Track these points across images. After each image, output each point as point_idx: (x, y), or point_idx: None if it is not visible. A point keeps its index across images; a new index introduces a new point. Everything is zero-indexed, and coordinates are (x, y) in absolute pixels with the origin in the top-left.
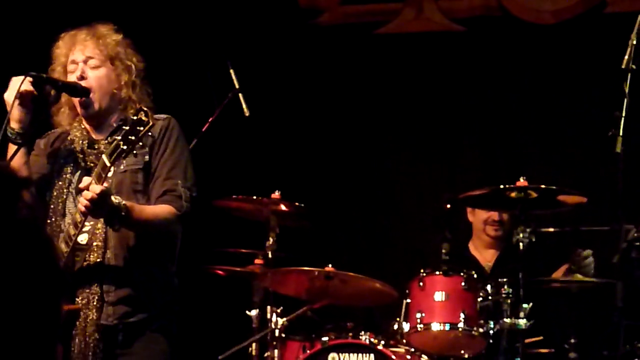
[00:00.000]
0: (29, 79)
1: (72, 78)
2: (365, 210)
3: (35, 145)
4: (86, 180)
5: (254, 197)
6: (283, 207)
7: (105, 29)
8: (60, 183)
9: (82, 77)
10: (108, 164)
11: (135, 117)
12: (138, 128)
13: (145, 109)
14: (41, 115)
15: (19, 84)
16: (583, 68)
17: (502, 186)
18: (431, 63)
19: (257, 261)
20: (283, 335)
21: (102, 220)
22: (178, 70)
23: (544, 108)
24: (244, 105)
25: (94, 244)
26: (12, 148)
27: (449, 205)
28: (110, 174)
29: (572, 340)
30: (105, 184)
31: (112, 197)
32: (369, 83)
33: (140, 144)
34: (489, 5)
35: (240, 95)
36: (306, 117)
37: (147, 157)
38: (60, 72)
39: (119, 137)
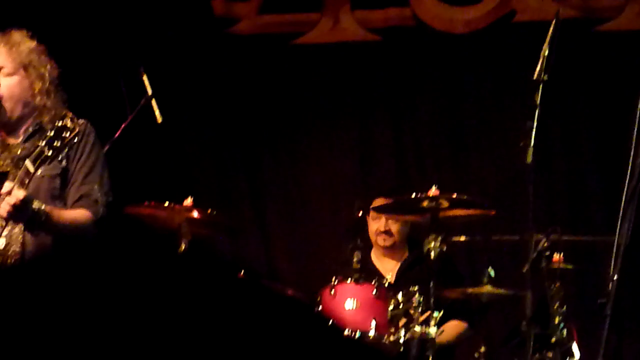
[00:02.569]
0: None
1: None
2: (279, 219)
3: None
4: (8, 185)
5: (166, 204)
6: (195, 214)
7: (19, 36)
8: None
9: None
10: (32, 170)
11: (60, 123)
12: (63, 134)
13: (70, 114)
14: None
15: None
16: (495, 77)
17: (413, 195)
18: (347, 73)
19: None
20: None
21: (19, 225)
22: (91, 76)
23: (457, 117)
24: (156, 112)
25: (12, 249)
26: None
27: (360, 213)
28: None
29: (482, 350)
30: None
31: (34, 202)
32: (285, 92)
33: (66, 150)
34: (404, 15)
35: (153, 101)
36: (220, 124)
37: (64, 163)
38: None
39: (43, 143)
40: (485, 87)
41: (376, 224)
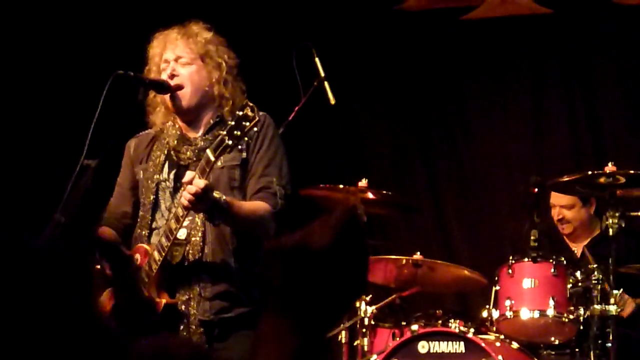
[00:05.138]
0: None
1: (163, 76)
2: (454, 197)
3: (126, 146)
4: (189, 174)
5: (341, 186)
6: (370, 195)
7: (196, 28)
8: (150, 181)
9: (172, 75)
10: (213, 159)
11: (241, 113)
12: (244, 123)
13: (251, 104)
14: (131, 113)
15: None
16: None
17: (590, 172)
18: (518, 47)
19: None
20: (372, 323)
21: (200, 215)
22: (264, 59)
23: (635, 89)
24: (329, 94)
25: (193, 239)
26: None
27: (536, 190)
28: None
29: None
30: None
31: (214, 192)
32: (456, 68)
33: (246, 139)
34: None
35: (325, 83)
36: (392, 104)
37: (244, 154)
38: (155, 71)
39: (224, 132)
40: None
41: (553, 211)
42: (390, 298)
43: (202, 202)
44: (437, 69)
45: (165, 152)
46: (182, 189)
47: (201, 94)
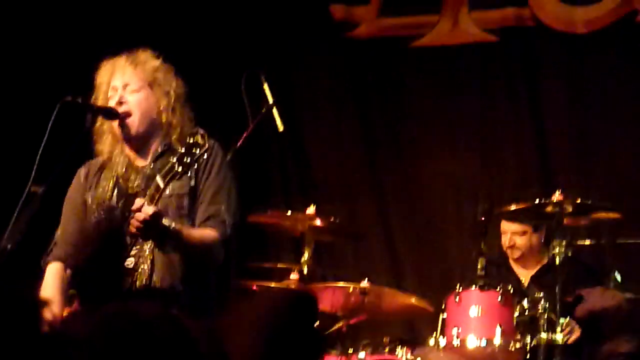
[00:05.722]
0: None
1: (111, 103)
2: (402, 224)
3: (76, 175)
4: (139, 201)
5: (289, 213)
6: (318, 222)
7: (144, 55)
8: (99, 209)
9: (120, 102)
10: (162, 185)
11: (191, 140)
12: (194, 150)
13: (202, 131)
14: (79, 140)
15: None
16: (618, 78)
17: (537, 201)
18: (466, 74)
19: (292, 276)
20: (320, 349)
21: (148, 243)
22: (212, 86)
23: (578, 118)
24: (278, 120)
25: (141, 267)
26: None
27: (484, 218)
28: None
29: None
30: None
31: (164, 219)
32: (404, 94)
33: (195, 167)
34: (522, 16)
35: (274, 109)
36: (341, 130)
37: (192, 182)
38: (102, 99)
39: (174, 159)
40: (608, 88)
41: (504, 238)
42: (337, 325)
43: (151, 229)
44: (386, 94)
45: (114, 180)
46: (131, 216)
47: (149, 121)
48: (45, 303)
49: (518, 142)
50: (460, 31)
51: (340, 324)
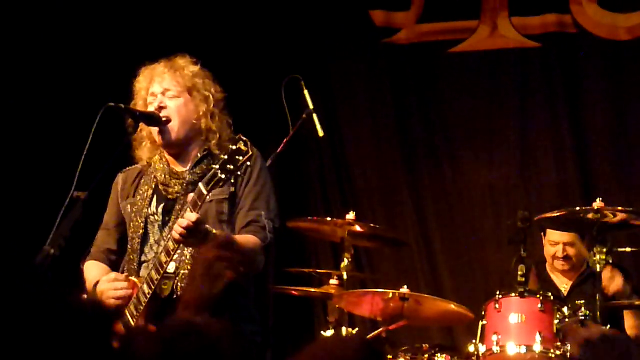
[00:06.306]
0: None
1: (151, 109)
2: (441, 230)
3: (115, 182)
4: (189, 216)
5: (329, 219)
6: (358, 228)
7: (183, 61)
8: (139, 215)
9: (160, 108)
10: (205, 192)
11: (234, 147)
12: (237, 157)
13: (244, 138)
14: (122, 146)
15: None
16: None
17: (577, 208)
18: (506, 79)
19: (332, 282)
20: None
21: (190, 249)
22: (253, 92)
23: (621, 125)
24: (318, 126)
25: (182, 272)
26: None
27: (523, 225)
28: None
29: None
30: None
31: (206, 226)
32: (444, 100)
33: (239, 173)
34: (563, 22)
35: (314, 115)
36: (381, 136)
37: (232, 188)
38: (141, 105)
39: (217, 166)
40: None
41: (554, 249)
42: (377, 331)
43: (193, 236)
44: (426, 101)
45: (153, 186)
46: (173, 222)
47: (189, 127)
48: (118, 315)
49: (557, 151)
50: (500, 37)
51: (380, 330)
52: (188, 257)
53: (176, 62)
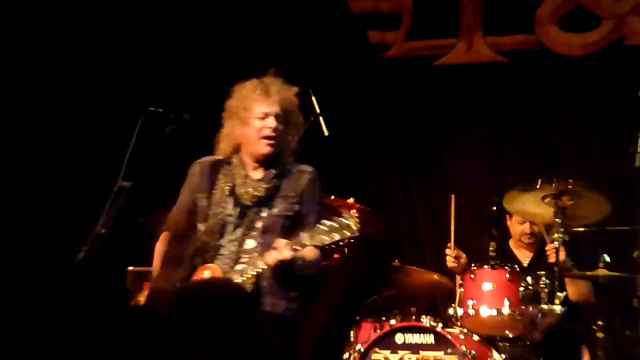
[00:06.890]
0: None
1: (258, 125)
2: (427, 214)
3: (190, 170)
4: (281, 242)
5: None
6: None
7: (281, 84)
8: (216, 214)
9: (275, 129)
10: (308, 243)
11: (300, 167)
12: (344, 232)
13: (355, 216)
14: (161, 142)
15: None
16: (606, 94)
17: (539, 185)
18: (480, 89)
19: (335, 255)
20: (357, 318)
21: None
22: None
23: (574, 129)
24: (323, 127)
25: (249, 272)
26: None
27: (494, 208)
28: (264, 215)
29: (600, 323)
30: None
31: (298, 260)
32: (428, 105)
33: (340, 244)
34: (529, 41)
35: (320, 118)
36: (375, 136)
37: (297, 207)
38: (239, 125)
39: (287, 185)
40: (598, 100)
41: (521, 226)
42: (372, 297)
43: (283, 269)
44: (413, 107)
45: (230, 187)
46: (247, 227)
47: (284, 147)
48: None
49: (526, 145)
50: (475, 52)
51: (374, 297)
52: (259, 261)
53: (275, 83)
